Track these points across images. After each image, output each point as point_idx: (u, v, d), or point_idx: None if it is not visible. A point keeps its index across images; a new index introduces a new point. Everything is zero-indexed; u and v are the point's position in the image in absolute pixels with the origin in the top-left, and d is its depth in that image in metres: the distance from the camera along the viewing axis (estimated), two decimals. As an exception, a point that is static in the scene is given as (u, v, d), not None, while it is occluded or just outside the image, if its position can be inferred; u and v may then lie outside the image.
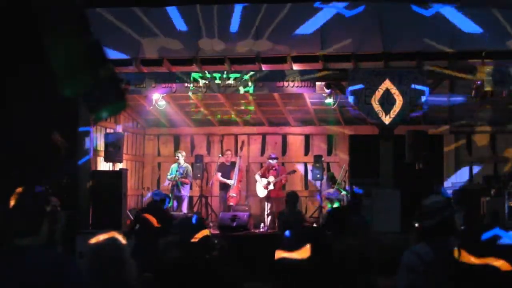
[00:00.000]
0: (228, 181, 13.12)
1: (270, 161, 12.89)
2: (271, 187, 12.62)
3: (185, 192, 12.99)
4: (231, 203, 12.91)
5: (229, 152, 13.60)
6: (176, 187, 12.88)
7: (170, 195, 12.49)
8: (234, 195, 13.00)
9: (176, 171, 12.95)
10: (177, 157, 13.11)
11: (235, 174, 13.12)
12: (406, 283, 3.35)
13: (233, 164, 13.43)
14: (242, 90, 11.45)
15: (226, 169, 13.31)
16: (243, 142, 14.23)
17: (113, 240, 3.42)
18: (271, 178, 12.70)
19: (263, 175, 12.84)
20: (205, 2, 11.54)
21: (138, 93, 12.27)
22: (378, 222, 9.92)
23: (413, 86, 10.80)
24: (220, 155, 13.84)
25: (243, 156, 14.34)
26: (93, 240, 3.40)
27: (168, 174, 13.26)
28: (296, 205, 10.19)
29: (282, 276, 2.65)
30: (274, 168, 12.82)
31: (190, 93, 12.07)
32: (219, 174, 13.31)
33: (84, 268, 3.33)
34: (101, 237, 3.41)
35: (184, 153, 13.29)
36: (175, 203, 12.78)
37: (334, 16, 11.07)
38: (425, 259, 3.32)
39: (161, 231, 9.25)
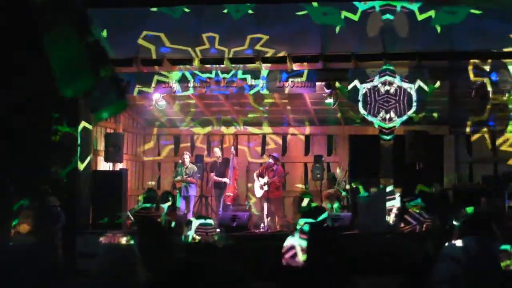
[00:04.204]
0: (224, 180, 13.08)
1: (270, 160, 12.81)
2: (266, 188, 12.50)
3: (192, 192, 12.96)
4: (228, 203, 12.88)
5: (216, 149, 13.58)
6: (184, 187, 12.88)
7: (177, 196, 12.66)
8: (230, 194, 12.95)
9: (182, 171, 12.94)
10: (183, 158, 13.07)
11: (230, 172, 13.09)
12: (447, 274, 3.45)
13: (225, 161, 13.37)
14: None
15: (219, 168, 13.26)
16: (235, 138, 14.11)
17: (125, 241, 3.43)
18: (267, 179, 12.54)
19: (260, 174, 12.70)
20: (205, 2, 11.55)
21: (138, 93, 12.29)
22: (377, 222, 9.93)
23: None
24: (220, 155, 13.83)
25: (244, 156, 14.33)
26: (105, 240, 3.40)
27: (174, 175, 13.25)
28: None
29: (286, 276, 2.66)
30: (271, 169, 12.68)
31: (190, 92, 12.09)
32: (213, 173, 13.30)
33: (95, 267, 3.33)
34: (113, 237, 3.42)
35: (189, 154, 13.32)
36: (183, 203, 12.78)
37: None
38: (470, 252, 3.48)
39: (167, 232, 9.30)
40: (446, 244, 3.64)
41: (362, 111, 11.23)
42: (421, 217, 9.91)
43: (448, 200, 11.30)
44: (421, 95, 11.00)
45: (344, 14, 10.95)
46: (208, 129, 14.92)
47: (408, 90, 10.98)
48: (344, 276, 3.61)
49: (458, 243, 3.60)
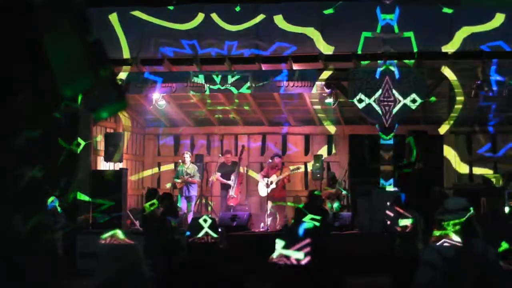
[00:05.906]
0: (229, 182, 13.10)
1: (276, 158, 12.76)
2: (273, 186, 12.49)
3: (194, 192, 12.98)
4: (231, 204, 12.89)
5: (229, 155, 13.60)
6: (186, 188, 12.89)
7: (178, 196, 12.70)
8: (234, 196, 12.99)
9: (183, 171, 12.94)
10: (184, 158, 13.07)
11: (235, 176, 13.10)
12: (427, 280, 3.42)
13: (233, 164, 13.40)
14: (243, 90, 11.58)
15: (227, 170, 13.30)
16: (243, 146, 14.13)
17: (127, 240, 3.42)
18: (274, 177, 12.54)
19: (266, 175, 12.70)
20: (205, 1, 11.56)
21: (138, 93, 12.32)
22: (376, 222, 9.93)
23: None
24: (220, 155, 13.83)
25: (244, 156, 14.32)
26: (105, 241, 3.39)
27: (175, 175, 13.25)
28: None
29: (281, 276, 2.66)
30: (277, 167, 12.71)
31: (190, 92, 12.11)
32: (219, 174, 13.30)
33: (98, 267, 3.33)
34: (113, 237, 3.41)
35: (190, 154, 13.33)
36: (185, 204, 12.79)
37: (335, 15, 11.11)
38: (446, 256, 3.43)
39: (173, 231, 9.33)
40: (426, 248, 3.60)
41: (362, 111, 11.22)
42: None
43: None
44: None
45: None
46: (208, 128, 14.92)
47: (408, 90, 10.97)
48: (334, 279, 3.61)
49: (436, 247, 3.56)
